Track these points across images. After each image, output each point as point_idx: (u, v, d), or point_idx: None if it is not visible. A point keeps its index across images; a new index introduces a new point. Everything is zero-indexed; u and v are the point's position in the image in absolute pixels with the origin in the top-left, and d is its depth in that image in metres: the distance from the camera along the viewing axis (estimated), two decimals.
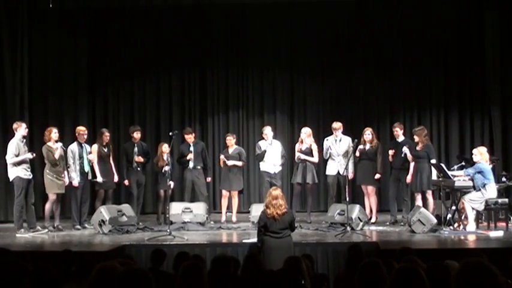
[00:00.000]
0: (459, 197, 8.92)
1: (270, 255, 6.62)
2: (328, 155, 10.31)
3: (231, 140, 10.52)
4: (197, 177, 10.45)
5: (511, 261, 3.80)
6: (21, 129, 9.34)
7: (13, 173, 9.27)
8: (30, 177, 9.35)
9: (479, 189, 8.81)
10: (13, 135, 9.43)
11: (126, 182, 10.37)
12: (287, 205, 7.08)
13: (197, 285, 3.60)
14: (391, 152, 10.01)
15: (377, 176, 10.10)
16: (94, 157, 10.03)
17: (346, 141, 10.20)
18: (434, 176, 9.53)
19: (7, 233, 9.46)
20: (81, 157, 9.76)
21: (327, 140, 10.28)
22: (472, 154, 9.27)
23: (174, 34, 12.13)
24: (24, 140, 9.41)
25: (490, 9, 11.27)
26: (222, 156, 10.54)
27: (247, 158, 11.11)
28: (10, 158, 9.25)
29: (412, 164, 9.74)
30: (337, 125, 10.29)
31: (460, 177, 9.01)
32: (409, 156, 9.69)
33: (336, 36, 12.11)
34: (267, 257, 6.60)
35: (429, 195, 9.71)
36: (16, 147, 9.24)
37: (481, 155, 9.02)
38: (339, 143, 10.22)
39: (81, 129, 9.99)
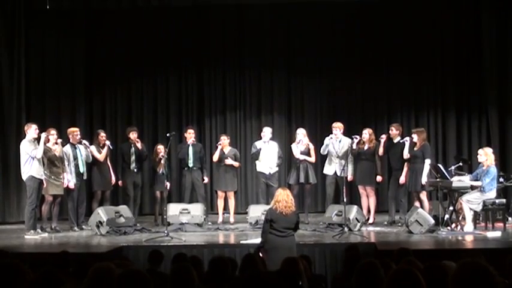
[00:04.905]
0: (457, 197, 8.92)
1: (274, 254, 6.59)
2: (326, 151, 10.30)
3: (225, 140, 10.49)
4: (196, 178, 10.44)
5: (508, 260, 3.80)
6: (31, 131, 9.18)
7: (27, 172, 9.10)
8: (43, 177, 9.23)
9: (482, 190, 8.80)
10: (10, 136, 9.38)
11: (121, 183, 10.37)
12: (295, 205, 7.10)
13: (187, 287, 3.62)
14: (383, 137, 9.95)
15: (378, 178, 10.09)
16: (102, 156, 10.05)
17: (346, 143, 10.19)
18: (425, 177, 9.49)
19: (13, 235, 9.39)
20: (75, 158, 9.71)
21: (330, 138, 10.25)
22: (471, 155, 9.21)
23: (171, 35, 12.12)
24: (35, 142, 9.22)
25: (487, 10, 11.30)
26: (221, 141, 10.41)
27: (244, 159, 11.09)
28: (31, 152, 9.01)
29: (405, 164, 9.74)
30: (336, 124, 10.29)
31: (462, 177, 8.97)
32: (406, 154, 9.65)
33: (334, 37, 12.11)
34: (270, 256, 6.59)
35: (423, 196, 9.66)
36: (29, 145, 9.11)
37: (486, 155, 8.96)
38: (338, 143, 10.22)
39: (73, 130, 9.93)
